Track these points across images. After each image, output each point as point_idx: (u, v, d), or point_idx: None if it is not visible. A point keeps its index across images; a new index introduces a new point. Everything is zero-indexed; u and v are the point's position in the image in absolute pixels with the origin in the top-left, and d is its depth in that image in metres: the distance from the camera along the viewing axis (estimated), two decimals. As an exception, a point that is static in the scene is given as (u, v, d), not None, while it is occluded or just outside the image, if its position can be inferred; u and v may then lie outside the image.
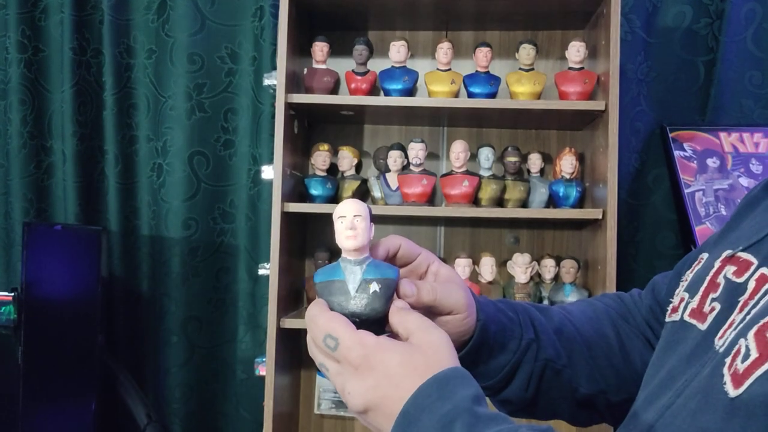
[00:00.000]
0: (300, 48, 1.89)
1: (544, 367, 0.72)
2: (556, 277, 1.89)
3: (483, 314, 0.68)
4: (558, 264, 1.88)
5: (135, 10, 2.08)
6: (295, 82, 1.84)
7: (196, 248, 2.09)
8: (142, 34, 2.08)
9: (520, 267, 1.84)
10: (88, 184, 2.08)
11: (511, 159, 1.87)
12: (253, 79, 2.06)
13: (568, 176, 1.85)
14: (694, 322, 0.61)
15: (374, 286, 0.58)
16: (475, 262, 1.86)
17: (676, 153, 1.98)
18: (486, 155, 1.87)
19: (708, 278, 0.63)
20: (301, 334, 1.99)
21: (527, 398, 0.72)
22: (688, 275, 0.68)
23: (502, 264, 1.93)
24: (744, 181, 1.94)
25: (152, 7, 2.07)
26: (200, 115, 2.08)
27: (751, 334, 0.50)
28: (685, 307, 0.64)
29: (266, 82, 1.81)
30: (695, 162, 1.97)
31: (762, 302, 0.53)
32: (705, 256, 0.67)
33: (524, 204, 1.87)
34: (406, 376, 0.52)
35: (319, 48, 1.86)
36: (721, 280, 0.61)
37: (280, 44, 1.74)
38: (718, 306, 0.59)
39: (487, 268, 1.83)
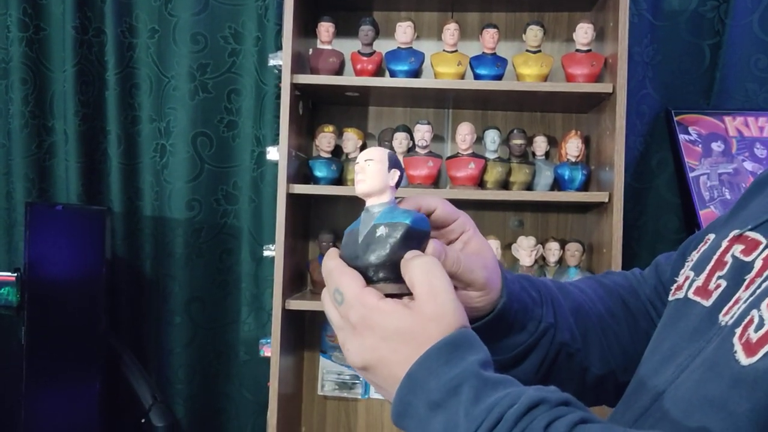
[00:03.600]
0: (305, 28, 1.88)
1: (559, 351, 0.72)
2: (561, 261, 1.89)
3: (507, 292, 0.66)
4: (562, 247, 1.88)
5: (137, -11, 2.05)
6: (300, 63, 1.82)
7: (199, 229, 2.09)
8: (144, 14, 2.06)
9: (525, 250, 1.84)
10: (90, 165, 2.07)
11: (517, 142, 1.86)
12: (256, 60, 2.04)
13: (573, 159, 1.85)
14: (698, 299, 0.61)
15: (381, 230, 0.55)
16: (480, 244, 1.86)
17: (681, 137, 1.98)
18: (492, 137, 1.86)
19: (715, 257, 0.63)
20: (305, 315, 2.00)
21: (536, 379, 0.71)
22: (694, 255, 0.68)
23: (506, 247, 1.93)
24: (748, 166, 1.94)
25: (155, -14, 2.04)
26: (203, 95, 2.06)
27: (764, 305, 0.51)
28: (690, 285, 0.64)
29: (271, 62, 1.80)
30: (700, 146, 1.97)
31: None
32: (712, 236, 0.68)
33: (529, 187, 1.87)
34: (404, 343, 0.51)
35: (325, 28, 1.84)
36: (728, 258, 0.61)
37: (285, 24, 1.73)
38: (724, 283, 0.59)
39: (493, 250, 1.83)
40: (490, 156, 1.86)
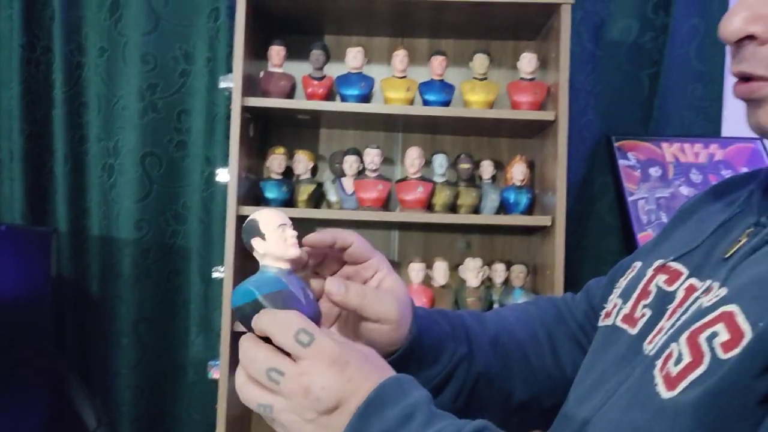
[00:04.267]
0: (256, 51, 1.89)
1: (476, 380, 0.74)
2: (507, 281, 1.94)
3: (417, 327, 0.68)
4: (508, 268, 1.93)
5: (87, 8, 2.04)
6: (251, 85, 1.84)
7: (147, 250, 2.07)
8: (94, 33, 2.04)
9: (472, 271, 1.88)
10: (36, 184, 2.03)
11: (464, 166, 1.91)
12: (207, 80, 2.05)
13: (518, 183, 1.90)
14: (625, 327, 0.65)
15: (310, 293, 0.59)
16: (429, 266, 1.89)
17: (621, 162, 2.06)
18: (440, 162, 1.90)
19: (641, 286, 0.66)
20: (255, 336, 1.99)
21: (456, 408, 0.73)
22: (622, 282, 0.71)
23: (454, 268, 1.97)
24: (684, 190, 2.03)
25: (105, 5, 2.03)
26: (153, 115, 2.06)
27: (683, 339, 0.53)
28: (618, 313, 0.67)
29: (222, 84, 1.81)
30: (638, 171, 2.05)
31: (691, 309, 0.57)
32: (638, 264, 0.71)
33: (476, 209, 1.92)
34: (374, 370, 0.55)
35: (276, 51, 1.86)
36: (652, 288, 0.64)
37: (236, 47, 1.75)
38: (648, 312, 0.63)
39: (440, 272, 1.87)
40: (439, 180, 1.90)
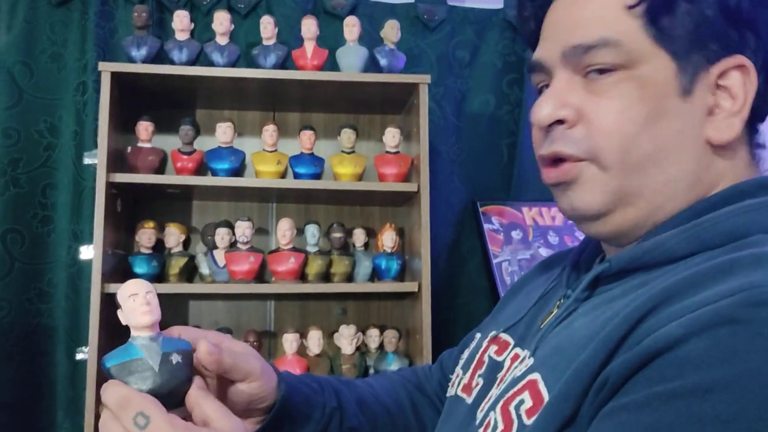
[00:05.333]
0: (125, 124, 1.89)
1: None
2: (381, 347, 1.98)
3: (285, 384, 0.70)
4: (382, 333, 1.98)
5: (-55, 82, 1.97)
6: (118, 160, 1.82)
7: (9, 331, 1.96)
8: (-48, 107, 1.97)
9: (346, 338, 1.92)
10: None
11: (336, 235, 1.97)
12: (74, 154, 2.01)
13: (389, 250, 1.97)
14: (464, 396, 0.69)
15: (175, 358, 0.59)
16: (304, 336, 1.91)
17: (486, 226, 2.18)
18: (312, 232, 1.95)
19: (477, 356, 0.72)
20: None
21: None
22: (465, 353, 0.77)
23: (330, 336, 1.99)
24: (543, 252, 2.18)
25: (-37, 80, 1.97)
26: (15, 190, 1.98)
27: (498, 408, 0.59)
28: (459, 383, 0.73)
29: (87, 161, 1.79)
30: (502, 234, 2.18)
31: (509, 378, 0.62)
32: (478, 335, 0.77)
33: (350, 276, 1.97)
34: None
35: (144, 127, 1.87)
36: (485, 358, 0.70)
37: (101, 124, 1.74)
38: (481, 381, 0.68)
39: (315, 341, 1.89)
40: (311, 249, 1.94)
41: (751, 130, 0.61)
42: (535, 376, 0.57)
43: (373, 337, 1.97)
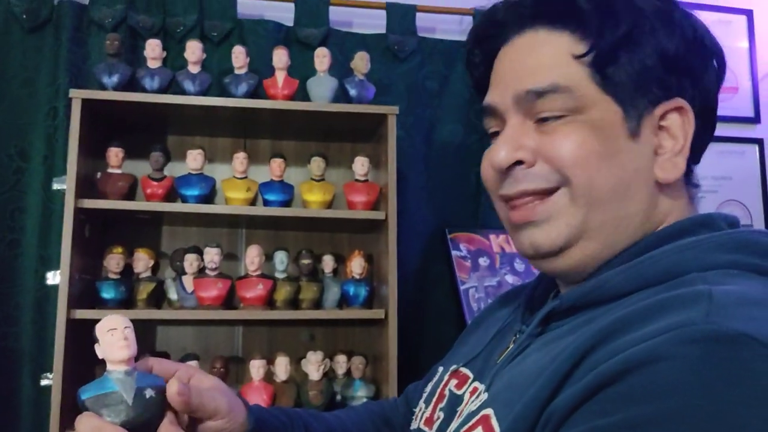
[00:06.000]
0: (95, 150, 1.90)
1: None
2: (348, 373, 2.00)
3: (253, 418, 0.72)
4: (350, 359, 1.99)
5: None
6: (88, 186, 1.83)
7: (-28, 355, 1.95)
8: None
9: (314, 365, 1.93)
10: None
11: (305, 261, 1.99)
12: (43, 178, 2.01)
13: (358, 276, 2.00)
14: (426, 429, 0.72)
15: (149, 392, 0.61)
16: (271, 362, 1.92)
17: (454, 253, 2.22)
18: (280, 258, 1.97)
19: (438, 390, 0.74)
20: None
21: None
22: (428, 387, 0.79)
23: (298, 362, 2.00)
24: (510, 279, 2.22)
25: (-68, 103, 1.97)
26: (-17, 214, 1.98)
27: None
28: (421, 416, 0.75)
29: (56, 186, 1.80)
30: (469, 261, 2.22)
31: (465, 412, 0.64)
32: (440, 369, 0.79)
33: (318, 302, 1.99)
34: None
35: (114, 153, 1.88)
36: (446, 391, 0.72)
37: (70, 151, 1.75)
38: (442, 415, 0.70)
39: (282, 367, 1.90)
40: (280, 276, 1.96)
41: (688, 171, 0.65)
42: (489, 411, 0.60)
43: (341, 363, 1.99)
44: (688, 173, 0.65)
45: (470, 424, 0.61)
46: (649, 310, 0.53)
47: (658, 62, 0.61)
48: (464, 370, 0.73)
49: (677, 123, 0.62)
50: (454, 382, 0.73)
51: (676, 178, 0.63)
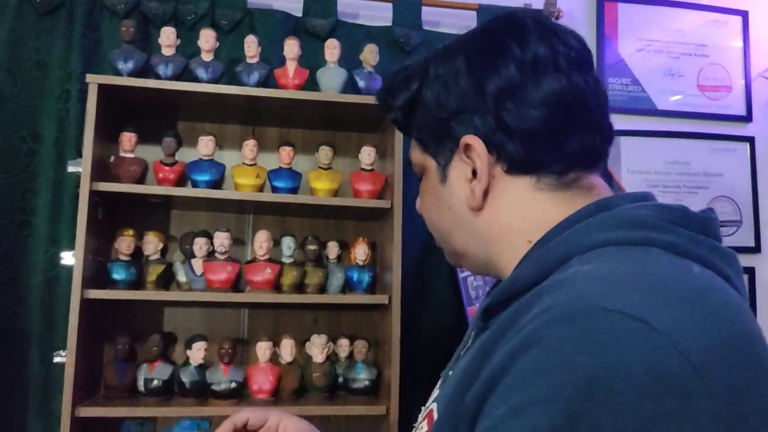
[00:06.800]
0: (108, 134, 1.94)
1: None
2: (351, 356, 2.06)
3: None
4: (352, 343, 2.06)
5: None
6: (101, 169, 1.87)
7: (-18, 334, 1.99)
8: (-67, 112, 1.99)
9: (317, 347, 1.99)
10: None
11: (311, 247, 2.04)
12: (54, 161, 2.05)
13: (361, 263, 2.06)
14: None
15: None
16: (277, 344, 1.98)
17: (454, 242, 2.28)
18: (288, 244, 2.02)
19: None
20: (98, 422, 1.96)
21: None
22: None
23: (302, 344, 2.06)
24: (507, 268, 2.28)
25: (-54, 86, 2.00)
26: (-5, 195, 2.02)
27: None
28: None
29: (71, 168, 1.83)
30: (469, 250, 2.28)
31: (423, 410, 0.73)
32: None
33: (323, 287, 2.04)
34: None
35: (127, 138, 1.92)
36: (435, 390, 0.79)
37: (86, 134, 1.79)
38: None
39: (287, 349, 1.96)
40: (286, 261, 2.01)
41: (564, 169, 0.68)
42: (433, 405, 0.68)
43: (344, 346, 2.05)
44: (565, 171, 0.68)
45: (422, 416, 0.71)
46: (532, 300, 0.56)
47: (434, 119, 0.72)
48: (443, 375, 0.79)
49: (471, 157, 0.69)
50: (439, 383, 0.79)
51: (478, 204, 0.69)
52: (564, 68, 0.67)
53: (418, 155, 0.76)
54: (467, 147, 0.69)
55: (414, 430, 0.72)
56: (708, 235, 0.61)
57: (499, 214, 0.70)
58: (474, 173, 0.69)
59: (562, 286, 0.54)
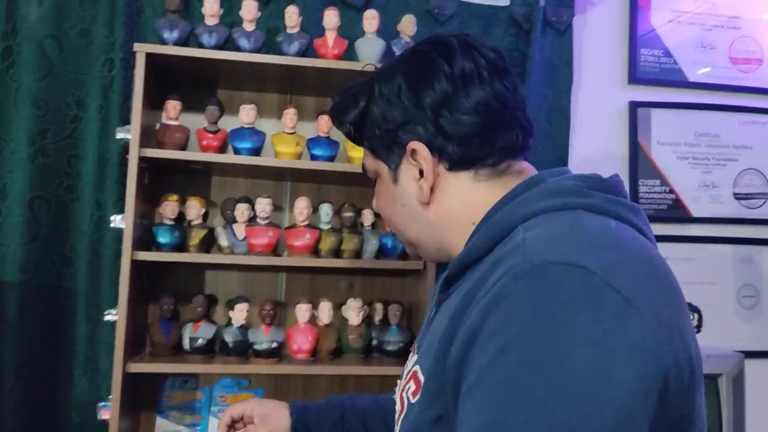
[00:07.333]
0: (152, 102, 1.99)
1: (364, 417, 1.14)
2: (385, 319, 2.13)
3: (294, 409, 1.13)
4: (386, 307, 2.13)
5: (-23, 54, 2.05)
6: (147, 137, 1.93)
7: (33, 291, 2.08)
8: (-16, 78, 2.05)
9: (353, 311, 2.06)
10: None
11: (347, 214, 2.10)
12: (99, 127, 2.11)
13: (395, 230, 2.11)
14: (395, 397, 0.92)
15: None
16: (314, 306, 2.05)
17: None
18: (326, 211, 2.08)
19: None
20: (143, 377, 2.05)
21: None
22: None
23: (338, 308, 2.14)
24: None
25: (-4, 52, 2.05)
26: (43, 159, 2.08)
27: (397, 396, 0.83)
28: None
29: (119, 135, 1.89)
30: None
31: (405, 373, 0.84)
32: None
33: (358, 254, 2.11)
34: None
35: (172, 106, 1.97)
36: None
37: (135, 102, 1.84)
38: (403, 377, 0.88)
39: (325, 312, 2.03)
40: (324, 227, 2.07)
41: (498, 161, 0.81)
42: (416, 367, 0.78)
43: (378, 310, 2.12)
44: (497, 163, 0.81)
45: (406, 379, 0.80)
46: (492, 266, 0.68)
47: (383, 130, 0.83)
48: (416, 343, 0.90)
49: (417, 159, 0.81)
50: (411, 354, 0.89)
51: (427, 200, 0.82)
52: (487, 78, 0.80)
53: (371, 162, 0.88)
54: (413, 152, 0.81)
55: (401, 389, 0.81)
56: (617, 195, 0.75)
57: (446, 205, 0.82)
58: (421, 173, 0.81)
59: (516, 251, 0.65)
